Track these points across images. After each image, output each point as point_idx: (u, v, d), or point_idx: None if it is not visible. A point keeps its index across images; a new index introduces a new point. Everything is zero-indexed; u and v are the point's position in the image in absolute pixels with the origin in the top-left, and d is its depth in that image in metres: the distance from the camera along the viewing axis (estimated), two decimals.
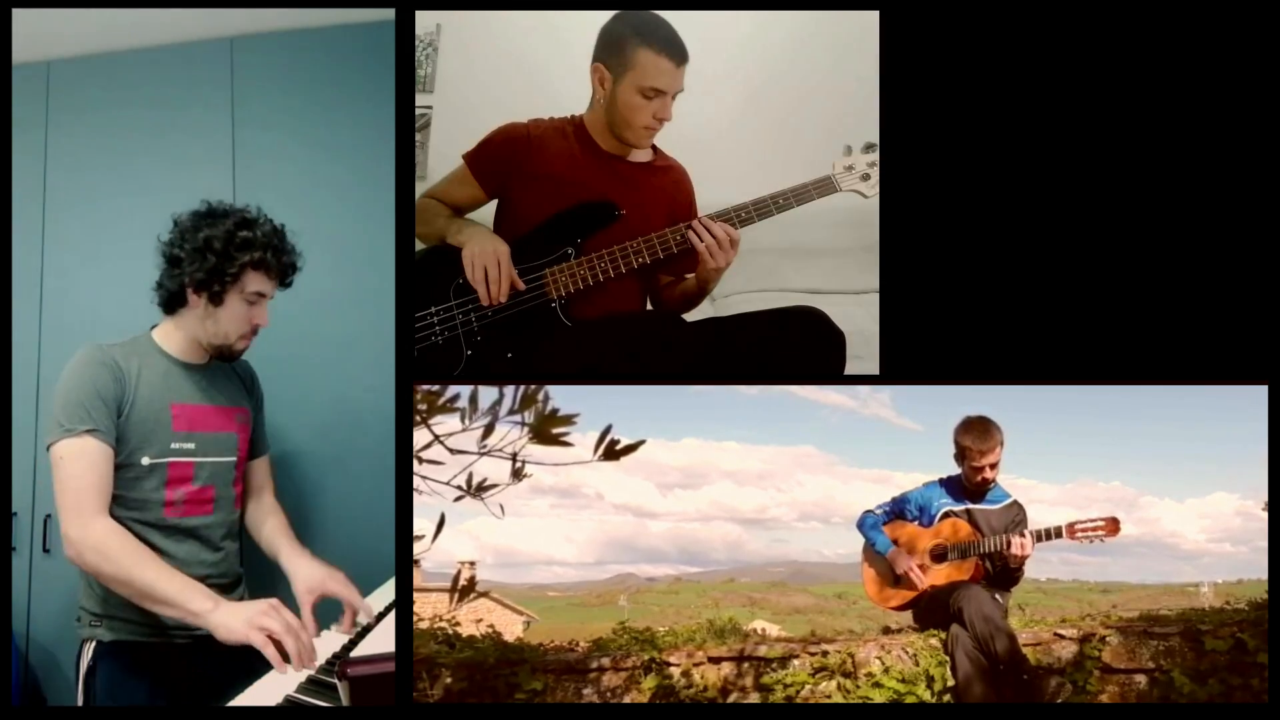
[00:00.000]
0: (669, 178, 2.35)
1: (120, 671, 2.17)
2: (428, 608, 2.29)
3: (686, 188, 2.37)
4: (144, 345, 2.32)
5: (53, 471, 2.09)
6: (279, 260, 2.32)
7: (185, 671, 2.19)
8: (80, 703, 2.20)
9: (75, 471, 2.07)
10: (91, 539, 2.03)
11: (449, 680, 2.07)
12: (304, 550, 2.36)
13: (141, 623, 2.18)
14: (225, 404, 2.41)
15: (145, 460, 2.20)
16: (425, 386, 1.29)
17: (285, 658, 1.88)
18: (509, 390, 1.25)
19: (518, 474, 1.32)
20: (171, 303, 2.33)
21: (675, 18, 2.22)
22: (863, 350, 2.30)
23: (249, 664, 1.98)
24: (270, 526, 2.47)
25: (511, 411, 1.27)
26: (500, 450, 1.29)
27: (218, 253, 2.22)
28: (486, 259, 2.16)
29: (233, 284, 2.25)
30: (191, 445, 2.29)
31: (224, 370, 2.46)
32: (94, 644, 2.20)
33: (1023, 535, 2.23)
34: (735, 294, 2.89)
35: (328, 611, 2.21)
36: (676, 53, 2.17)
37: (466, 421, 1.28)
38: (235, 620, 1.92)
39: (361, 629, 2.17)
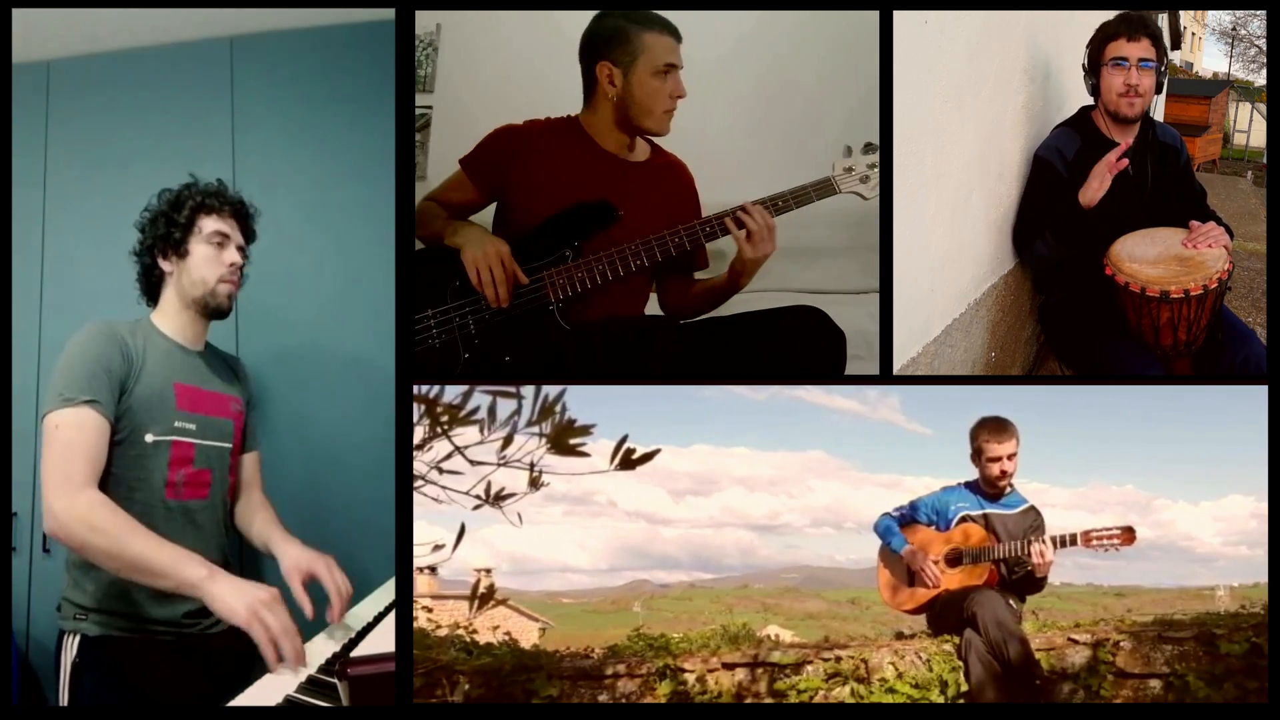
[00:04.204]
0: (669, 174, 2.34)
1: (108, 667, 2.14)
2: (446, 615, 2.29)
3: (688, 184, 2.36)
4: (146, 326, 2.33)
5: (43, 441, 2.03)
6: (224, 200, 2.38)
7: (172, 666, 2.17)
8: (65, 697, 2.16)
9: (68, 440, 2.02)
10: (78, 510, 1.96)
11: (467, 687, 2.07)
12: (293, 538, 2.38)
13: (129, 616, 2.16)
14: (221, 390, 2.42)
15: (149, 437, 2.18)
16: (446, 400, 1.28)
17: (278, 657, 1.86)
18: (526, 402, 1.25)
19: (535, 483, 1.32)
20: (150, 283, 2.41)
21: (676, 18, 2.23)
22: (863, 350, 2.29)
23: (235, 659, 1.98)
24: (261, 519, 2.48)
25: (530, 423, 1.27)
26: (518, 461, 1.29)
27: (165, 212, 2.35)
28: (489, 259, 2.15)
29: (190, 230, 2.32)
30: (193, 426, 2.28)
31: (219, 358, 2.50)
32: (78, 638, 2.16)
33: (1042, 543, 2.23)
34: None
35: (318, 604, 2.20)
36: (674, 31, 2.21)
37: (485, 433, 1.28)
38: (236, 600, 1.87)
39: (361, 629, 2.16)
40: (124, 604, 2.14)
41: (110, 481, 2.10)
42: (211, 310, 2.37)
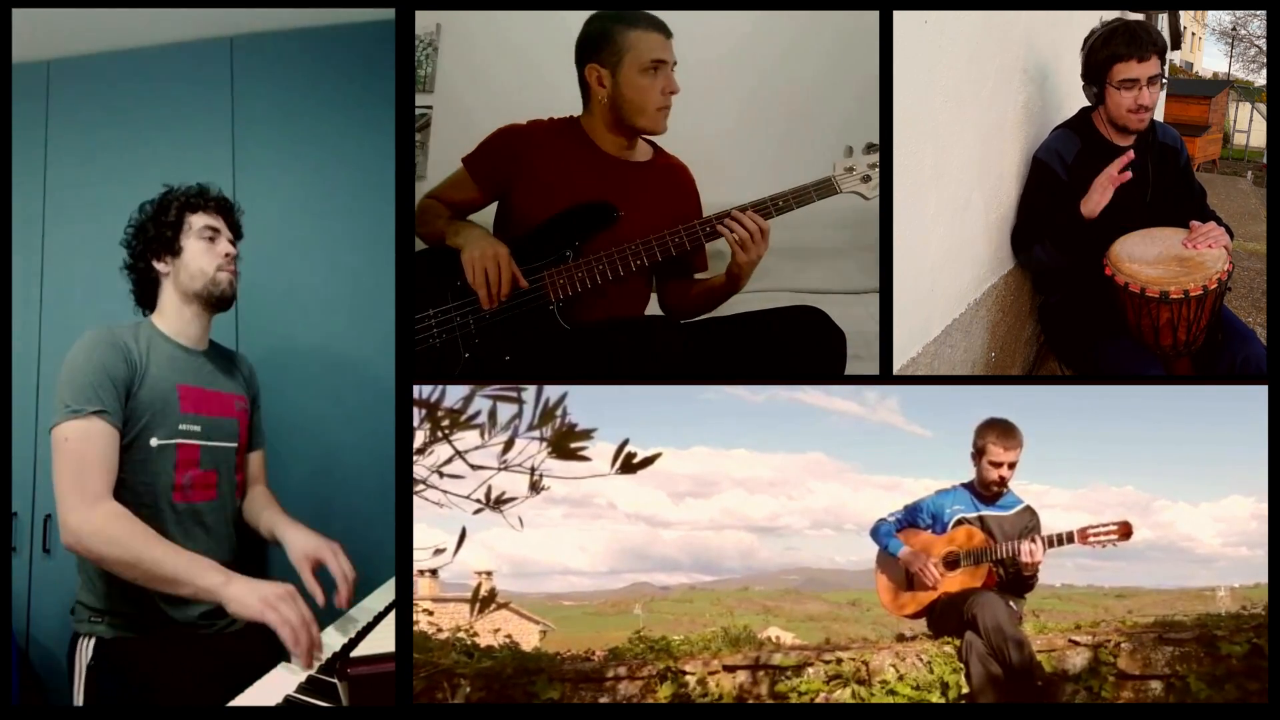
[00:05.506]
0: (671, 177, 2.33)
1: (123, 669, 2.14)
2: (446, 618, 2.29)
3: (690, 186, 2.36)
4: (148, 328, 2.33)
5: (54, 454, 2.05)
6: (207, 198, 2.41)
7: (188, 667, 2.16)
8: (81, 699, 2.17)
9: (80, 453, 2.03)
10: (95, 523, 1.99)
11: (468, 690, 2.07)
12: (299, 523, 2.39)
13: (143, 617, 2.16)
14: (225, 390, 2.43)
15: (154, 441, 2.19)
16: (447, 404, 1.28)
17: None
18: (527, 406, 1.24)
19: (535, 487, 1.31)
20: (146, 290, 2.41)
21: (676, 18, 2.23)
22: (863, 350, 2.29)
23: (251, 658, 1.97)
24: (267, 510, 2.49)
25: (531, 427, 1.26)
26: (519, 465, 1.29)
27: (152, 216, 2.37)
28: (486, 261, 2.15)
29: (180, 228, 2.34)
30: (198, 428, 2.29)
31: (223, 358, 2.50)
32: (93, 640, 2.17)
33: (1033, 541, 2.23)
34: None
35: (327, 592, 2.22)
36: (662, 27, 2.20)
37: (486, 437, 1.28)
38: (251, 596, 1.92)
39: (362, 629, 2.16)
40: (138, 605, 2.14)
41: (118, 486, 2.10)
42: (215, 300, 2.37)
